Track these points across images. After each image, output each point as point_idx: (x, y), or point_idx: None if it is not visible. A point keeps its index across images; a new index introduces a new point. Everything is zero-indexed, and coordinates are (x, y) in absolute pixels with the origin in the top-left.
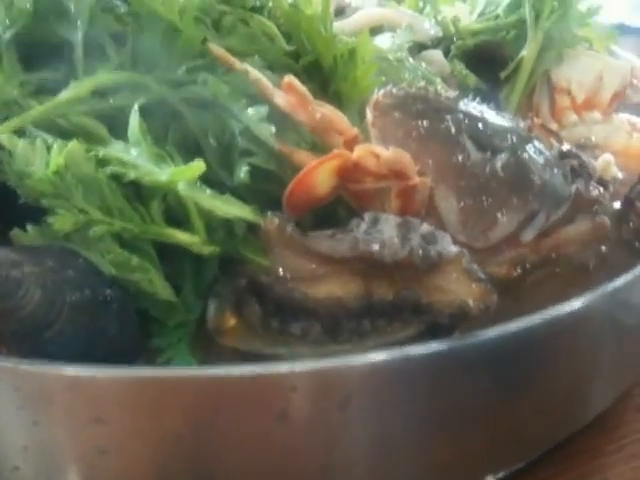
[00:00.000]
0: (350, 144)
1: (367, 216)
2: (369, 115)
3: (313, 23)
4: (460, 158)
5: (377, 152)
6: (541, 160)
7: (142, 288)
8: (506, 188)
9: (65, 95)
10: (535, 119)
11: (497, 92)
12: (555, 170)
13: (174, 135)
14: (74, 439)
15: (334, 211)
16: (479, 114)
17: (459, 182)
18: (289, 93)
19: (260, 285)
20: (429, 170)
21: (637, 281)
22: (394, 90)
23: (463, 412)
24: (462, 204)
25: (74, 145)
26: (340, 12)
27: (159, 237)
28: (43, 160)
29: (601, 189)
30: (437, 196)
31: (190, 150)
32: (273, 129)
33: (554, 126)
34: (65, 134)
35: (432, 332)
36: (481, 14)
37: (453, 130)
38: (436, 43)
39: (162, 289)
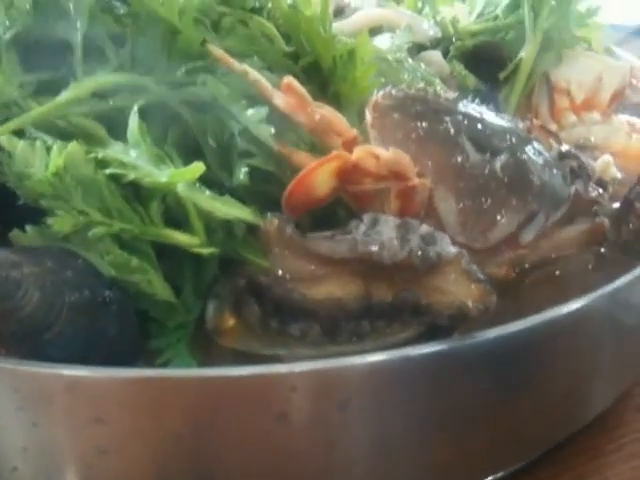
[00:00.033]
0: (349, 145)
1: (366, 217)
2: (368, 116)
3: (312, 24)
4: (459, 159)
5: (376, 153)
6: (540, 161)
7: (141, 289)
8: (505, 189)
9: (65, 96)
10: (534, 120)
11: (496, 93)
12: (554, 171)
13: (173, 136)
14: (73, 439)
15: (333, 212)
16: (478, 115)
17: (458, 183)
18: (288, 94)
19: (259, 286)
20: (428, 171)
21: (636, 282)
22: (393, 91)
23: (463, 412)
24: (461, 205)
25: (73, 146)
26: (339, 12)
27: (158, 238)
28: (42, 161)
29: (600, 190)
30: (436, 197)
31: (189, 151)
32: (272, 130)
33: (553, 127)
34: (65, 135)
35: (431, 333)
36: (480, 15)
37: (452, 131)
38: (435, 44)
39: (161, 290)
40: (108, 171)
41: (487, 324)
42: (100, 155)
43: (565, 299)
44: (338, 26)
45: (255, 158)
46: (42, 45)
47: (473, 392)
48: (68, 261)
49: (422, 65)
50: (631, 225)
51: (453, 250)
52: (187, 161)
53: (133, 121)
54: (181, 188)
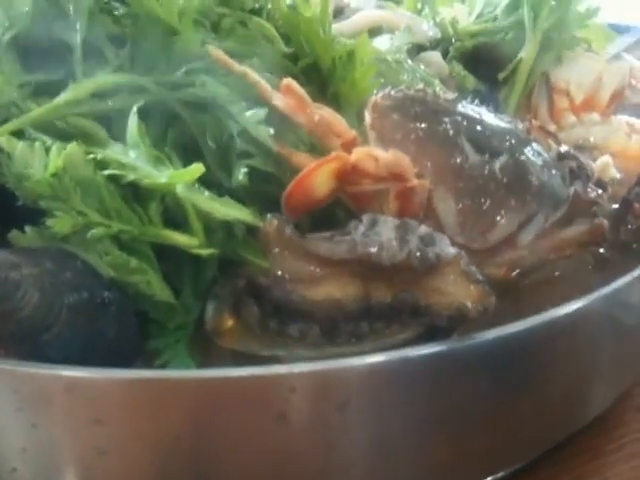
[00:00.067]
0: (348, 146)
1: (365, 218)
2: (367, 117)
3: (312, 25)
4: (458, 160)
5: (376, 155)
6: (539, 162)
7: (141, 290)
8: (504, 190)
9: (64, 97)
10: (533, 121)
11: (495, 93)
12: (553, 172)
13: (173, 137)
14: (73, 440)
15: (332, 212)
16: (477, 116)
17: (457, 184)
18: (288, 95)
19: (259, 286)
20: (427, 172)
21: (635, 282)
22: (393, 92)
23: (462, 413)
24: (460, 206)
25: (73, 147)
26: (338, 13)
27: (157, 239)
28: (42, 162)
29: (599, 191)
30: (435, 198)
31: (188, 152)
32: (271, 131)
33: (552, 127)
34: (64, 136)
35: (430, 334)
36: (479, 15)
37: (451, 132)
38: (434, 44)
39: (161, 291)
40: (107, 172)
41: (486, 325)
42: (99, 156)
43: (564, 300)
44: (337, 27)
45: (254, 159)
46: (41, 46)
47: (472, 393)
48: (67, 262)
49: (421, 66)
50: (630, 226)
51: (452, 251)
52: (186, 162)
53: (132, 122)
54: (180, 189)
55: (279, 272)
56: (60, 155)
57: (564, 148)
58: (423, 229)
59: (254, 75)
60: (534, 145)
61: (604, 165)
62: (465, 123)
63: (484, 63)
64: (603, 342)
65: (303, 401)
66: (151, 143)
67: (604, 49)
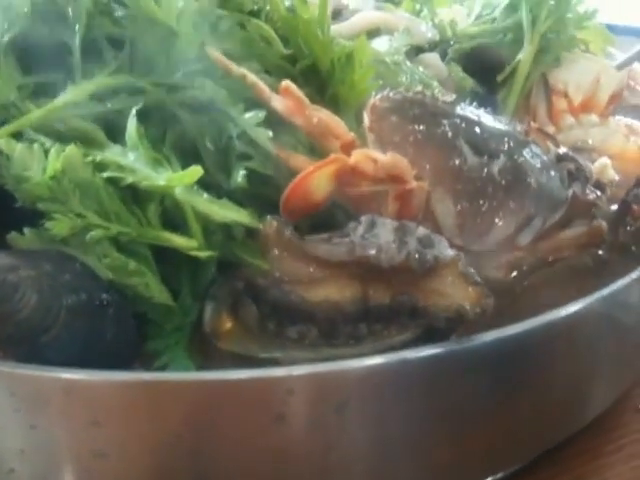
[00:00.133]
0: (347, 148)
1: (364, 219)
2: (366, 119)
3: (310, 27)
4: (457, 162)
5: (374, 157)
6: (538, 164)
7: (139, 292)
8: (503, 192)
9: (63, 99)
10: (532, 122)
11: (494, 95)
12: (552, 174)
13: (171, 139)
14: (71, 442)
15: (331, 214)
16: (476, 118)
17: (456, 186)
18: (286, 97)
19: (257, 288)
20: (426, 174)
21: (634, 284)
22: (391, 94)
23: (461, 415)
24: (459, 208)
25: (71, 150)
26: (337, 14)
27: (156, 241)
28: (40, 164)
29: (598, 192)
30: (434, 200)
31: (187, 154)
32: (270, 133)
33: (551, 129)
34: (63, 138)
35: (429, 336)
36: (478, 17)
37: (450, 134)
38: (433, 46)
39: (159, 293)
40: (106, 174)
41: (484, 327)
42: (98, 158)
43: (563, 301)
44: (336, 29)
45: (253, 161)
46: (40, 48)
47: (471, 395)
48: (65, 264)
49: (420, 68)
50: (628, 227)
51: (450, 253)
52: (185, 164)
53: (131, 124)
54: (179, 191)
55: (278, 273)
56: (59, 157)
57: (562, 150)
58: (421, 231)
59: (253, 77)
60: (532, 147)
61: (602, 167)
62: (463, 125)
63: (483, 65)
64: (602, 344)
65: (302, 403)
66: (150, 145)
67: (603, 50)
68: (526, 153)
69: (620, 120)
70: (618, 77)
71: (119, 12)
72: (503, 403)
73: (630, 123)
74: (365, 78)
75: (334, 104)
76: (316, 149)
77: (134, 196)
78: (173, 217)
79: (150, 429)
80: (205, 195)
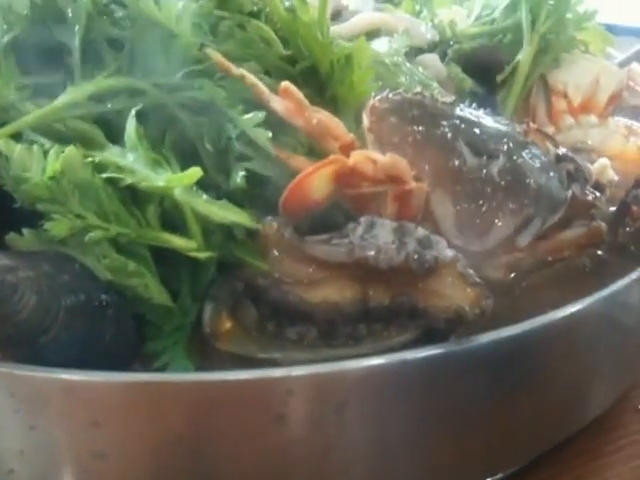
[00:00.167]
0: (346, 149)
1: (363, 220)
2: (366, 120)
3: (310, 28)
4: (456, 163)
5: (374, 157)
6: (537, 165)
7: (138, 293)
8: (502, 193)
9: (62, 100)
10: (531, 123)
11: (493, 96)
12: (551, 174)
13: (171, 140)
14: (70, 443)
15: (331, 214)
16: (475, 119)
17: (455, 187)
18: (286, 98)
19: (257, 288)
20: (425, 175)
21: (633, 285)
22: (390, 95)
23: (460, 416)
24: (458, 209)
25: (71, 150)
26: (337, 15)
27: (155, 242)
28: (40, 165)
29: (597, 193)
30: (433, 201)
31: (187, 154)
32: (269, 134)
33: (551, 129)
34: (62, 139)
35: (428, 337)
36: (477, 18)
37: (449, 135)
38: (432, 47)
39: (158, 294)
40: (105, 175)
41: (484, 328)
42: (97, 159)
43: (562, 302)
44: (335, 30)
45: (252, 162)
46: (40, 48)
47: (470, 395)
48: (64, 265)
49: (419, 68)
50: (628, 228)
51: (449, 254)
52: (184, 165)
53: (130, 125)
54: (178, 192)
55: (277, 274)
56: (58, 158)
57: (562, 150)
58: (421, 232)
59: (252, 78)
60: (532, 148)
61: (602, 167)
62: (463, 126)
63: (482, 65)
64: (601, 344)
65: (301, 403)
66: (149, 146)
67: (602, 51)
68: (525, 154)
69: (619, 121)
70: (618, 77)
71: (118, 13)
72: (502, 403)
73: (629, 124)
74: (364, 79)
75: (333, 105)
76: (315, 150)
77: (133, 197)
78: (172, 218)
79: (150, 429)
80: (204, 196)
